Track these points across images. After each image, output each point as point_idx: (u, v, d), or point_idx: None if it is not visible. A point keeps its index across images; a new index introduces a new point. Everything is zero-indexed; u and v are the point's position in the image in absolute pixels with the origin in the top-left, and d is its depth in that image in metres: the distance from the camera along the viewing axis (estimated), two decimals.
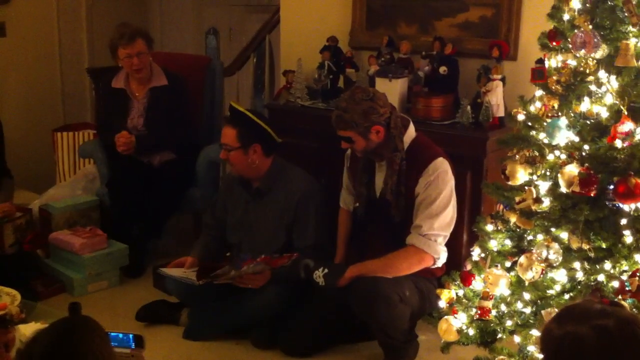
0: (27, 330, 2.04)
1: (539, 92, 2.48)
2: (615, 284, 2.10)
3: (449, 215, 2.85)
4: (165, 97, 3.89)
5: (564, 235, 2.25)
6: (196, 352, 3.09)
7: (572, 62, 2.32)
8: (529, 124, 2.44)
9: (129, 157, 3.82)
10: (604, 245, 2.16)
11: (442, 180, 2.85)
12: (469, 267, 2.58)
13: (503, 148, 3.09)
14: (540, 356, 2.24)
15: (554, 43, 2.38)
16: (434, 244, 2.81)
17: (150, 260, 3.86)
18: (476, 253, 2.59)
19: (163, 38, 6.01)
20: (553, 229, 2.25)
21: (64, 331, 1.54)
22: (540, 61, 2.54)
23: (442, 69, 3.39)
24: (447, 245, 2.90)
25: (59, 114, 5.32)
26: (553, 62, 2.43)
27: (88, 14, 5.43)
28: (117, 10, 5.62)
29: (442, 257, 2.85)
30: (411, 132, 2.94)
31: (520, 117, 2.50)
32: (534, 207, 2.28)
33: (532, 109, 2.48)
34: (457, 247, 3.13)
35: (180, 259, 3.23)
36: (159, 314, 3.28)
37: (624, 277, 2.07)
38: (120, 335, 1.80)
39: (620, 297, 2.03)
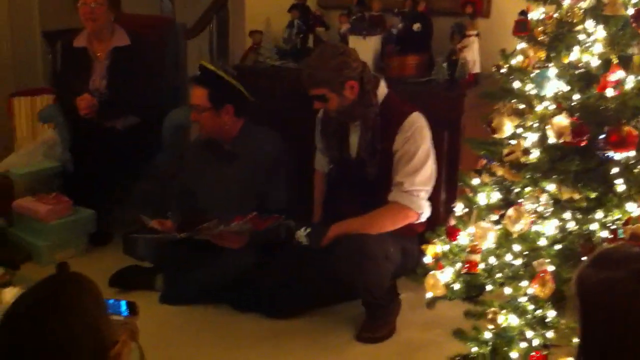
0: (7, 295, 1.95)
1: (521, 45, 2.46)
2: (606, 233, 2.11)
3: (430, 169, 2.83)
4: (128, 58, 3.76)
5: (550, 187, 2.25)
6: (173, 316, 3.04)
7: (555, 14, 2.31)
8: (513, 76, 2.41)
9: (92, 121, 3.68)
10: (593, 196, 2.16)
11: (419, 135, 2.82)
12: (453, 222, 2.57)
13: (479, 105, 3.13)
14: (531, 307, 2.26)
15: None
16: (417, 199, 2.80)
17: (116, 227, 3.75)
18: (459, 208, 2.58)
19: None
20: (542, 181, 2.24)
21: (52, 287, 1.46)
22: (523, 13, 2.51)
23: (416, 26, 3.36)
24: None
25: (11, 80, 5.10)
26: (535, 14, 2.41)
27: None
28: None
29: (425, 212, 2.84)
30: (383, 89, 2.90)
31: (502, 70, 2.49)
32: (522, 159, 2.27)
33: (513, 62, 2.46)
34: (435, 204, 3.11)
35: (160, 220, 3.13)
36: (133, 279, 3.20)
37: (617, 225, 2.08)
38: (111, 302, 1.69)
39: None
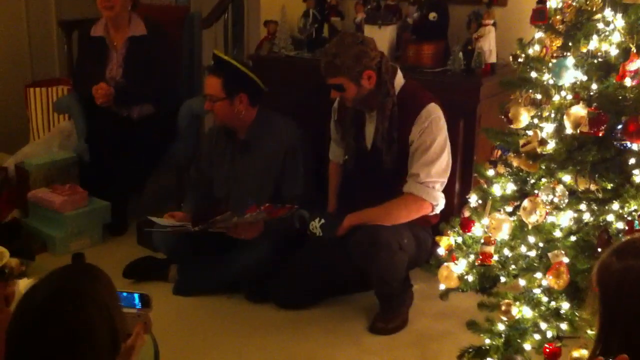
0: (22, 286, 1.95)
1: (538, 34, 2.42)
2: (622, 225, 2.09)
3: (445, 161, 2.81)
4: (144, 47, 3.76)
5: (566, 178, 2.22)
6: (187, 307, 3.03)
7: (574, 3, 2.28)
8: (531, 65, 2.38)
9: (108, 111, 3.69)
10: (609, 187, 2.13)
11: (435, 126, 2.80)
12: (467, 213, 2.55)
13: (495, 95, 3.10)
14: (545, 298, 2.24)
15: None
16: (432, 190, 2.78)
17: (131, 217, 3.76)
18: (473, 199, 2.56)
19: None
20: (558, 172, 2.21)
21: (65, 278, 1.45)
22: (541, 1, 2.48)
23: (432, 15, 3.31)
24: None
25: (27, 70, 5.13)
26: (553, 2, 2.37)
27: None
28: None
29: (440, 203, 2.82)
30: (400, 78, 2.88)
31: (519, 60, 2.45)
32: (539, 150, 2.24)
33: (530, 51, 2.43)
34: (449, 196, 3.08)
35: (172, 212, 3.14)
36: (147, 270, 3.21)
37: (633, 217, 2.05)
38: (125, 294, 1.67)
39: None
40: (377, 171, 2.89)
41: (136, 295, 1.69)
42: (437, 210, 2.84)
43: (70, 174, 3.75)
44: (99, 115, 3.73)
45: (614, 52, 2.14)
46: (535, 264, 2.25)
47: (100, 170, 3.66)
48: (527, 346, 2.25)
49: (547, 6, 2.39)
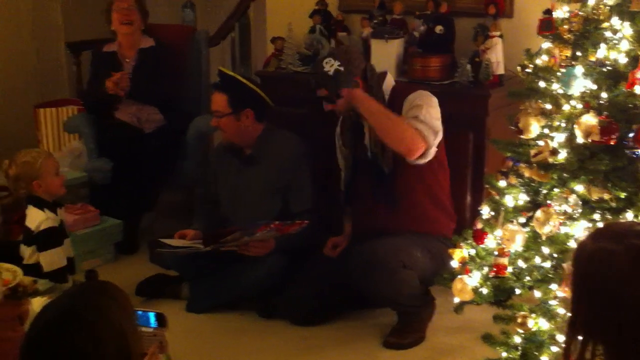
0: (35, 305, 1.95)
1: (545, 44, 2.43)
2: None
3: (438, 121, 2.79)
4: (152, 57, 3.90)
5: (579, 187, 2.21)
6: (200, 324, 3.03)
7: (581, 12, 2.28)
8: (539, 75, 2.38)
9: (120, 124, 3.75)
10: (622, 195, 2.12)
11: (426, 97, 2.81)
12: (479, 225, 2.54)
13: (504, 106, 3.09)
14: (562, 311, 2.22)
15: None
16: (430, 132, 2.75)
17: (143, 236, 3.77)
18: (486, 211, 2.55)
19: None
20: (571, 181, 2.20)
21: (77, 296, 1.46)
22: (548, 12, 2.48)
23: (439, 28, 3.32)
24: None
25: (37, 91, 5.16)
26: (560, 12, 2.38)
27: None
28: None
29: (432, 151, 2.79)
30: (390, 80, 2.90)
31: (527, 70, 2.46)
32: (550, 160, 2.23)
33: (538, 61, 2.43)
34: (461, 208, 3.09)
35: (182, 231, 3.14)
36: (159, 288, 3.21)
37: None
38: (140, 313, 1.67)
39: None
40: (379, 174, 2.88)
41: (152, 315, 1.68)
42: (425, 158, 2.79)
43: (80, 194, 3.77)
44: (111, 130, 3.78)
45: (622, 60, 2.13)
46: (550, 275, 2.23)
47: (112, 189, 3.68)
48: (545, 359, 2.22)
49: (554, 16, 2.40)
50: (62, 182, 2.92)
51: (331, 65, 2.78)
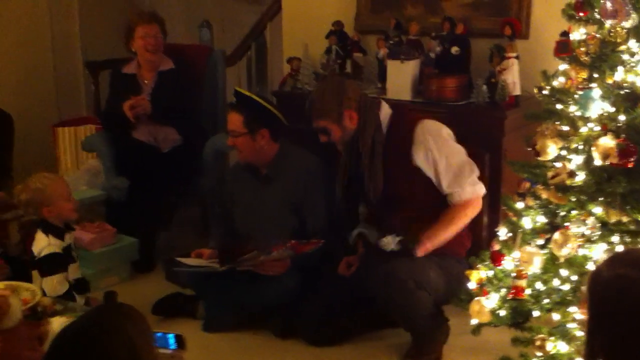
0: (55, 324, 1.96)
1: (562, 66, 2.43)
2: None
3: (465, 162, 2.82)
4: (171, 79, 3.90)
5: (597, 210, 2.21)
6: (215, 343, 3.03)
7: (597, 34, 2.29)
8: (556, 97, 2.38)
9: (138, 143, 3.79)
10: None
11: (439, 139, 2.80)
12: (497, 246, 2.53)
13: (520, 127, 3.09)
14: (580, 333, 2.21)
15: (581, 14, 2.33)
16: (472, 187, 2.80)
17: (159, 254, 3.79)
18: (503, 232, 2.54)
19: None
20: (588, 204, 2.20)
21: (94, 318, 1.47)
22: (565, 34, 2.49)
23: (455, 49, 3.34)
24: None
25: (55, 110, 5.23)
26: (576, 34, 2.38)
27: (80, 6, 5.34)
28: (108, 4, 5.53)
29: (483, 189, 2.85)
30: (385, 110, 2.89)
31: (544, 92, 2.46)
32: (568, 182, 2.23)
33: (555, 83, 2.44)
34: (477, 229, 3.08)
35: (199, 250, 3.15)
36: (175, 307, 3.21)
37: None
38: (159, 335, 1.68)
39: None
40: (394, 202, 2.87)
41: (171, 336, 1.69)
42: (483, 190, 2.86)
43: (98, 212, 3.80)
44: (128, 149, 3.81)
45: None
46: (569, 298, 2.23)
47: (129, 207, 3.71)
48: None
49: (571, 38, 2.41)
50: (74, 206, 2.91)
51: (389, 242, 2.79)
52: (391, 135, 2.83)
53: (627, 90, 2.17)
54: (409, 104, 3.27)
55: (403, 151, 2.81)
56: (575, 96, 2.27)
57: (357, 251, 3.10)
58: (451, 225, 2.82)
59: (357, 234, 2.90)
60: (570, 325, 2.18)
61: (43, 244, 2.81)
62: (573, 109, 2.29)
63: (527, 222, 2.36)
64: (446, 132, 2.84)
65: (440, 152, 2.78)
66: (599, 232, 2.17)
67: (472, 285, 2.52)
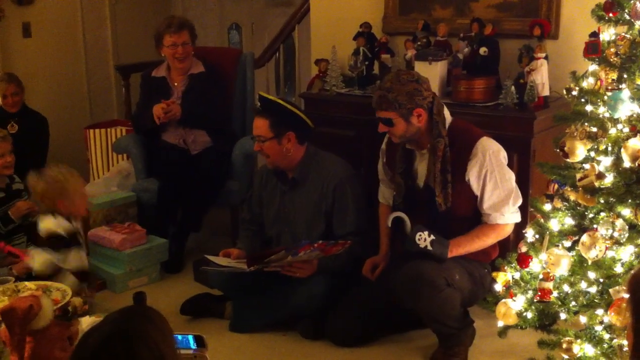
0: (84, 324, 2.00)
1: (592, 67, 2.41)
2: None
3: (513, 191, 2.81)
4: (202, 82, 3.93)
5: (625, 212, 2.18)
6: (243, 344, 3.05)
7: (627, 35, 2.27)
8: (585, 98, 2.36)
9: (167, 146, 3.83)
10: None
11: (495, 159, 2.78)
12: (524, 248, 2.52)
13: (549, 128, 3.07)
14: (607, 336, 2.19)
15: (611, 14, 2.30)
16: (510, 215, 2.81)
17: (188, 255, 3.83)
18: (530, 234, 2.53)
19: None
20: (617, 205, 2.18)
21: (118, 321, 1.49)
22: (594, 34, 2.47)
23: (483, 50, 3.32)
24: None
25: (87, 113, 5.33)
26: (606, 35, 2.36)
27: (111, 12, 5.45)
28: (140, 8, 5.62)
29: (519, 218, 2.85)
30: (448, 116, 2.87)
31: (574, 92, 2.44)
32: (596, 184, 2.21)
33: (584, 84, 2.42)
34: None
35: (227, 250, 3.18)
36: (203, 307, 3.24)
37: None
38: (180, 337, 1.71)
39: None
40: (431, 210, 2.86)
41: (191, 337, 1.72)
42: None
43: (128, 214, 3.85)
44: (158, 152, 3.86)
45: None
46: (596, 301, 2.21)
47: (159, 209, 3.75)
48: None
49: (600, 39, 2.38)
50: (87, 204, 2.90)
51: (424, 239, 2.77)
52: (450, 144, 2.81)
53: None
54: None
55: (459, 162, 2.79)
56: (605, 97, 2.25)
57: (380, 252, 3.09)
58: (478, 242, 2.82)
59: (396, 217, 2.85)
60: (597, 328, 2.17)
61: (51, 223, 2.81)
62: (602, 110, 2.27)
63: (554, 224, 2.35)
64: (503, 155, 2.82)
65: (492, 173, 2.77)
66: (627, 234, 2.14)
67: (498, 287, 2.51)
